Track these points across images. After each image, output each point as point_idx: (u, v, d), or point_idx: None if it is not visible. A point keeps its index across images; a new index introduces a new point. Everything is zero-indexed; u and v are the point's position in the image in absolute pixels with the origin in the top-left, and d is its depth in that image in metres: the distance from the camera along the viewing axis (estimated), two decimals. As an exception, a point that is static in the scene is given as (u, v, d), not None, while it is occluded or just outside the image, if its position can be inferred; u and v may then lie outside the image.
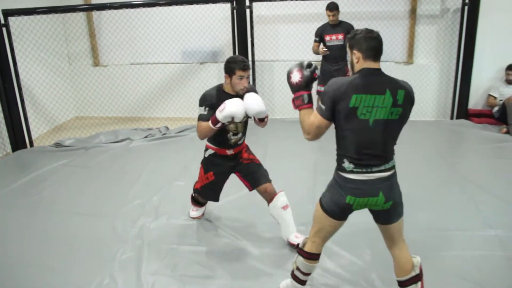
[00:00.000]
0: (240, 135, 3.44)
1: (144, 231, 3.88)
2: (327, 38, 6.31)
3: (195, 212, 4.06)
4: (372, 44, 2.38)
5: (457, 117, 6.93)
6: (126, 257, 3.49)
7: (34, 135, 6.29)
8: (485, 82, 6.82)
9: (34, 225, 4.05)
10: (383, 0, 6.80)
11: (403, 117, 2.39)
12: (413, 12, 6.80)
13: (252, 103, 3.15)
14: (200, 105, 3.28)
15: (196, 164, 5.23)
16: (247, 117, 3.29)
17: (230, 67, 3.20)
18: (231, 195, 4.28)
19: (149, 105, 7.56)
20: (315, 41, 6.40)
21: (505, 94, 6.46)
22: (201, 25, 7.06)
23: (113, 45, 7.28)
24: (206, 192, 3.66)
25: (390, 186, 2.44)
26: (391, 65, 6.94)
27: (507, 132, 6.22)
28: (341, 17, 6.37)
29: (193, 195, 3.93)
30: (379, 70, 2.40)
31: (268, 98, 7.26)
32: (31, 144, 6.15)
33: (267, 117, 3.33)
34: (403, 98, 2.34)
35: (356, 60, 2.41)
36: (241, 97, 3.22)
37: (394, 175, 2.47)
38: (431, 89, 7.02)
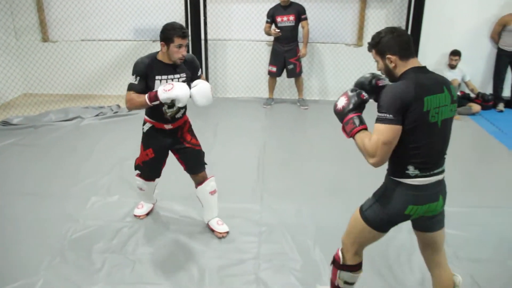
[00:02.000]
0: (176, 108, 3.21)
1: (95, 210, 3.92)
2: (279, 19, 6.40)
3: (139, 209, 3.82)
4: (405, 41, 2.21)
5: (403, 99, 7.19)
6: (77, 236, 3.52)
7: (-21, 113, 6.12)
8: (429, 66, 7.02)
9: (-19, 205, 4.00)
10: (334, -17, 6.92)
11: (454, 113, 2.27)
12: (363, -5, 6.96)
13: (202, 96, 2.98)
14: (132, 73, 3.06)
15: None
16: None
17: (168, 34, 2.98)
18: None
19: (100, 82, 7.44)
20: (267, 22, 6.48)
21: (448, 78, 6.75)
22: (154, 1, 6.98)
23: (62, 21, 7.08)
24: (146, 169, 3.48)
25: (445, 187, 2.32)
26: (341, 47, 7.14)
27: (448, 114, 6.54)
28: (293, -2, 6.48)
29: (136, 174, 3.63)
30: (425, 67, 2.24)
31: (220, 77, 7.32)
32: (-24, 122, 5.98)
33: None
34: (454, 92, 2.23)
35: (393, 65, 2.21)
36: (177, 67, 3.11)
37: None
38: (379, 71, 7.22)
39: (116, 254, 3.31)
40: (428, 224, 2.35)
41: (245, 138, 5.54)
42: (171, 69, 3.11)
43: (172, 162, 3.50)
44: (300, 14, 6.43)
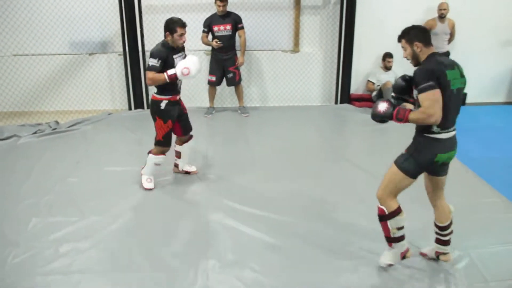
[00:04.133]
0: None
1: (36, 232, 3.83)
2: (216, 28, 6.47)
3: (150, 183, 4.50)
4: (428, 33, 3.00)
5: (341, 102, 7.46)
6: (18, 260, 3.44)
7: None
8: (364, 69, 7.40)
9: None
10: (269, -9, 7.07)
11: (465, 86, 2.98)
12: (297, 3, 7.14)
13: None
14: (154, 57, 4.03)
15: (88, 159, 5.26)
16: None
17: (172, 26, 4.03)
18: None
19: (36, 98, 7.22)
20: (204, 31, 6.53)
21: (382, 80, 7.06)
22: (89, 14, 6.88)
23: (-8, 35, 6.85)
24: (167, 139, 4.36)
25: (456, 142, 3.04)
26: (278, 54, 7.31)
27: (383, 114, 6.82)
28: (229, 7, 6.55)
29: (153, 152, 4.41)
30: (437, 52, 3.01)
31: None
32: None
33: None
34: (462, 70, 2.96)
35: (419, 50, 2.93)
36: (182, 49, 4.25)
37: None
38: (317, 76, 7.47)
39: (61, 276, 3.26)
40: (440, 170, 3.09)
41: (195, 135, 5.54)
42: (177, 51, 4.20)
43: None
44: (236, 23, 6.53)
